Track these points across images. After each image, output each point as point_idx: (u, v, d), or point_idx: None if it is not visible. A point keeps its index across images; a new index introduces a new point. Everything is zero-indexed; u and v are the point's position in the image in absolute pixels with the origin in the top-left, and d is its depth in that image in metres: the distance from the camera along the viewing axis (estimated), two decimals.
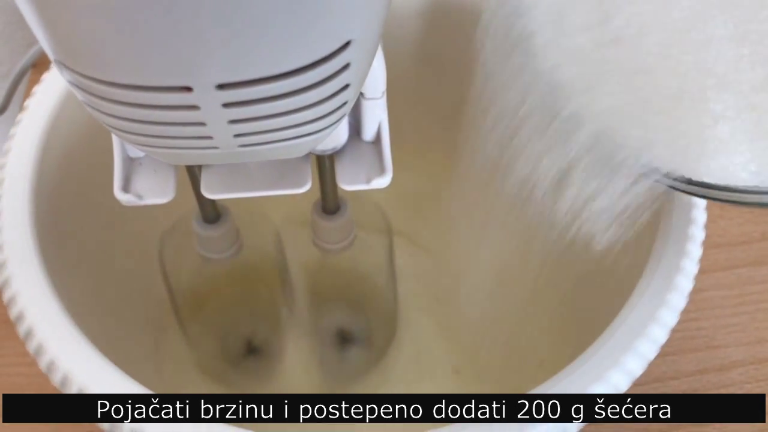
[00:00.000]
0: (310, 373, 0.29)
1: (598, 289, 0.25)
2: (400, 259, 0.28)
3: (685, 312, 0.33)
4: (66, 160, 0.25)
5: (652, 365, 0.32)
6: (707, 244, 0.35)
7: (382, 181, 0.20)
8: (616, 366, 0.20)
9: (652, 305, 0.21)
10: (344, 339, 0.30)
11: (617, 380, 0.20)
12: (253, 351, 0.30)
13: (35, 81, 0.26)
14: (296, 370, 0.29)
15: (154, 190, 0.20)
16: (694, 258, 0.22)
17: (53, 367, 0.19)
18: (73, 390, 0.19)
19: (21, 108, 0.25)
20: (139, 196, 0.20)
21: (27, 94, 0.26)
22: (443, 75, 0.32)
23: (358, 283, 0.28)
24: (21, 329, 0.20)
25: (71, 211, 0.25)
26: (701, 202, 0.22)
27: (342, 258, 0.25)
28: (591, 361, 0.20)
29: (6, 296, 0.21)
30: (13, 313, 0.20)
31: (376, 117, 0.20)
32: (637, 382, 0.31)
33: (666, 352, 0.33)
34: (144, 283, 0.28)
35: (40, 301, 0.20)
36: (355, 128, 0.21)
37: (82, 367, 0.19)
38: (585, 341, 0.21)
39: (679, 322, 0.33)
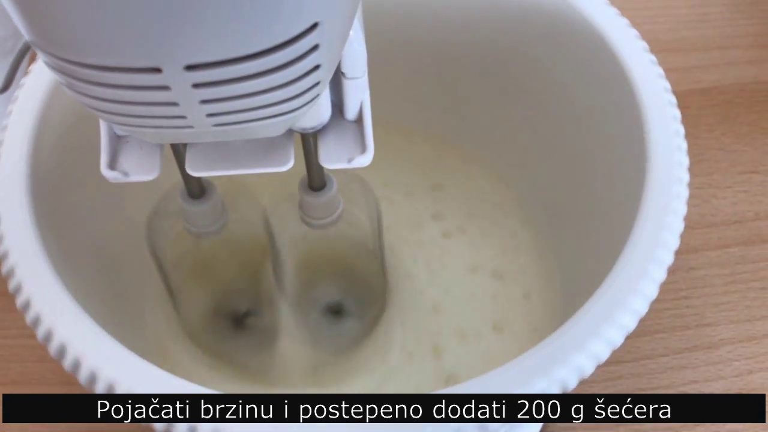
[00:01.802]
0: (303, 345, 0.30)
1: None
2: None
3: (676, 290, 0.34)
4: (63, 137, 0.25)
5: (642, 342, 0.33)
6: (700, 224, 0.36)
7: (363, 160, 0.21)
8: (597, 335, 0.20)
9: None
10: (335, 311, 0.30)
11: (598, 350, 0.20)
12: (244, 324, 0.30)
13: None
14: (287, 342, 0.30)
15: (140, 168, 0.21)
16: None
17: (51, 337, 0.20)
18: (69, 359, 0.19)
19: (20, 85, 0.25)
20: (125, 174, 0.21)
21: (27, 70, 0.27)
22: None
23: (346, 257, 0.29)
24: (19, 301, 0.21)
25: (68, 187, 0.25)
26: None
27: (329, 232, 0.26)
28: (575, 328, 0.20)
29: (4, 268, 0.21)
30: (11, 285, 0.21)
31: (357, 96, 0.20)
32: (626, 359, 0.32)
33: (656, 329, 0.33)
34: (139, 256, 0.29)
35: (37, 273, 0.21)
36: (339, 107, 0.21)
37: (80, 337, 0.20)
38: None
39: (670, 300, 0.34)
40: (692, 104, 0.40)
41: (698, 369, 0.32)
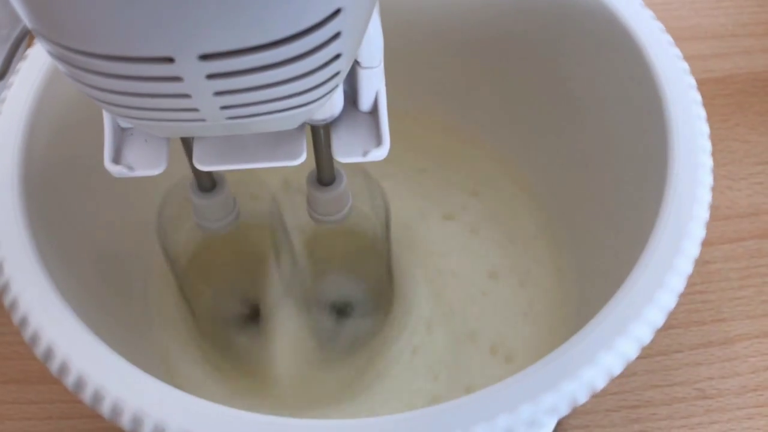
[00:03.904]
0: (309, 342, 0.29)
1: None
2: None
3: (691, 285, 0.33)
4: (58, 126, 0.24)
5: (657, 338, 0.32)
6: (715, 216, 0.35)
7: (379, 154, 0.20)
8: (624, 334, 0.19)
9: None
10: (341, 309, 0.30)
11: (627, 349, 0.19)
12: (251, 318, 0.30)
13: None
14: (294, 340, 0.29)
15: (145, 162, 0.20)
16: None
17: (37, 338, 0.19)
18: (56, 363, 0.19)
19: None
20: (131, 168, 0.20)
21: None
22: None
23: (354, 254, 0.28)
24: (7, 301, 0.20)
25: (64, 181, 0.24)
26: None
27: (337, 229, 0.25)
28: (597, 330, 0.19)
29: None
30: (6, 300, 0.20)
31: (373, 87, 0.20)
32: (640, 356, 0.31)
33: (671, 325, 0.33)
34: (142, 249, 0.28)
35: (26, 271, 0.20)
36: (352, 98, 0.20)
37: (68, 340, 0.19)
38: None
39: (685, 295, 0.33)
40: (705, 93, 0.38)
41: (714, 365, 0.31)
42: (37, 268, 0.20)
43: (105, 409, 0.18)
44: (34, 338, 0.19)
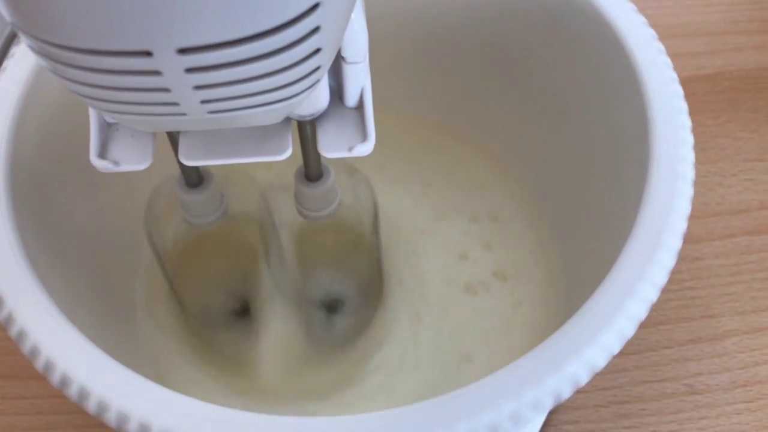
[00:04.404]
0: (296, 339, 0.29)
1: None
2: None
3: (681, 281, 0.33)
4: (47, 123, 0.24)
5: (646, 334, 0.32)
6: (705, 213, 0.35)
7: (364, 149, 0.20)
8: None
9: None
10: (331, 305, 0.30)
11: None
12: (240, 314, 0.30)
13: None
14: (282, 336, 0.29)
15: (131, 157, 0.20)
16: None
17: (24, 336, 0.19)
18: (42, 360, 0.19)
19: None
20: (116, 163, 0.20)
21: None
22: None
23: (343, 250, 0.28)
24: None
25: (52, 175, 0.24)
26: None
27: (325, 224, 0.25)
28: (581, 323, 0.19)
29: None
30: None
31: (358, 82, 0.20)
32: (630, 351, 0.32)
33: (660, 321, 0.33)
34: (131, 246, 0.28)
35: (12, 267, 0.20)
36: (338, 94, 0.20)
37: (55, 341, 0.19)
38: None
39: (674, 291, 0.33)
40: (697, 90, 0.39)
41: (703, 361, 0.31)
42: (23, 264, 0.20)
43: (90, 406, 0.18)
44: (21, 336, 0.19)
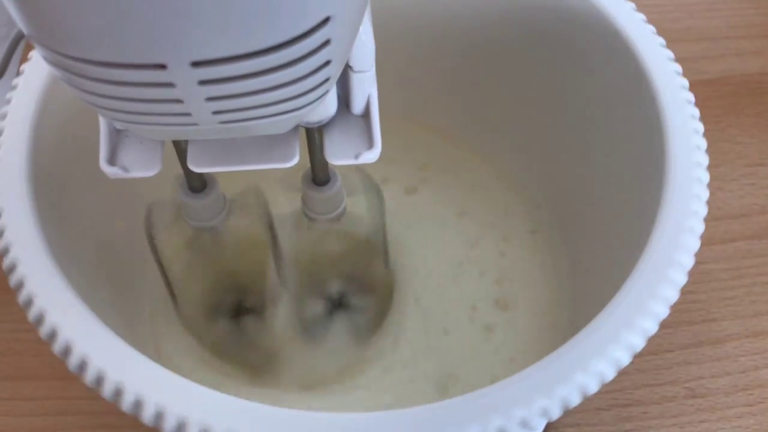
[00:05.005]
0: (304, 341, 0.29)
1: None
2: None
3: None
4: (65, 126, 0.25)
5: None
6: (706, 217, 0.35)
7: (370, 156, 0.20)
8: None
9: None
10: (337, 306, 0.30)
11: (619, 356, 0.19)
12: (244, 319, 0.30)
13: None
14: (288, 338, 0.29)
15: (140, 163, 0.20)
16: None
17: (42, 319, 0.19)
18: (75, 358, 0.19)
19: (18, 72, 0.25)
20: (125, 169, 0.20)
21: (24, 57, 0.26)
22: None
23: (350, 252, 0.28)
24: (21, 297, 0.20)
25: (70, 177, 0.24)
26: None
27: (333, 227, 0.25)
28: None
29: (5, 263, 0.21)
30: (12, 280, 0.20)
31: (365, 90, 0.20)
32: None
33: (662, 324, 0.33)
34: (140, 249, 0.28)
35: (39, 268, 0.20)
36: (345, 101, 0.21)
37: (86, 336, 0.19)
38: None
39: None
40: (698, 95, 0.38)
41: (704, 365, 0.32)
42: (43, 253, 0.21)
43: (106, 391, 0.18)
44: (39, 319, 0.20)
